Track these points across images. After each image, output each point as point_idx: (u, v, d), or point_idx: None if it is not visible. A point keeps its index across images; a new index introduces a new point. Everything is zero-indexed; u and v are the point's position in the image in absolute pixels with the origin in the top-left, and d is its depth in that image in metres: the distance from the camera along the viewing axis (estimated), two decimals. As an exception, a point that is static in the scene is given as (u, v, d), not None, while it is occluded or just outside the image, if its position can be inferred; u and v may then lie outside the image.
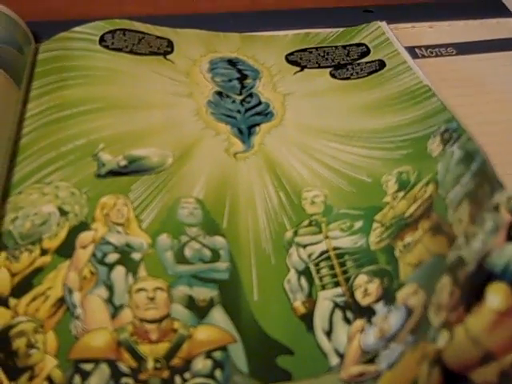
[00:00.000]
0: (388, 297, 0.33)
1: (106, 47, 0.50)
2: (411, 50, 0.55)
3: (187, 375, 0.30)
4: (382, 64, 0.52)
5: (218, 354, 0.31)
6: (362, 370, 0.31)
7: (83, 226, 0.36)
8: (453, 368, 0.25)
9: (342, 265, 0.36)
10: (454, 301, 0.27)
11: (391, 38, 0.55)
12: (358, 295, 0.34)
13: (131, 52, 0.50)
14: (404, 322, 0.31)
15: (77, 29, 0.51)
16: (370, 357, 0.31)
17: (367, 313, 0.33)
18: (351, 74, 0.51)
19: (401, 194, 0.39)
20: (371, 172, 0.42)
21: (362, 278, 0.35)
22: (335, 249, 0.37)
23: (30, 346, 0.30)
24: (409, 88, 0.48)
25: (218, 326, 0.33)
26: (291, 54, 0.53)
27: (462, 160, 0.37)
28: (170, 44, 0.52)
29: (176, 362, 0.31)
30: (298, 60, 0.53)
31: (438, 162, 0.39)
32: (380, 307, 0.33)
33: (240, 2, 0.61)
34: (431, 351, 0.27)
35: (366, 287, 0.34)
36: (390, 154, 0.43)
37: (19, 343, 0.30)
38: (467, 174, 0.35)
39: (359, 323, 0.33)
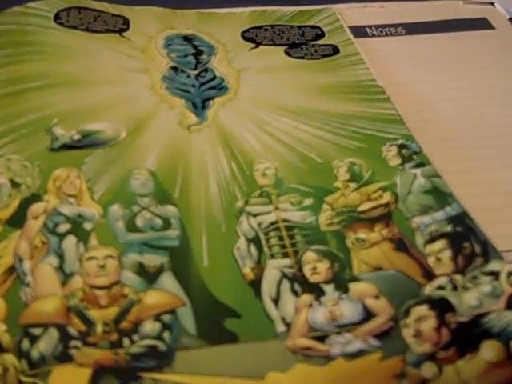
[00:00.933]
0: (339, 283, 0.34)
1: (61, 24, 0.50)
2: (362, 29, 0.57)
3: (135, 337, 0.31)
4: (335, 49, 0.53)
5: (166, 317, 0.32)
6: (310, 344, 0.32)
7: (35, 198, 0.37)
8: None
9: (291, 237, 0.37)
10: (443, 340, 0.31)
11: (344, 26, 0.56)
12: (307, 271, 0.35)
13: (87, 29, 0.50)
14: (362, 319, 0.33)
15: (31, 4, 0.51)
16: (318, 334, 0.32)
17: (315, 290, 0.34)
18: (305, 54, 0.52)
19: (353, 184, 0.40)
20: (322, 153, 0.43)
21: (310, 255, 0.36)
22: (285, 221, 0.38)
23: (-21, 311, 0.31)
24: (362, 82, 0.49)
25: (167, 291, 0.33)
26: (247, 30, 0.54)
27: (429, 192, 0.40)
28: (126, 21, 0.52)
29: (125, 325, 0.31)
30: (253, 37, 0.53)
31: (394, 174, 0.41)
32: (330, 289, 0.34)
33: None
34: (414, 376, 0.30)
35: (315, 265, 0.35)
36: (341, 141, 0.44)
37: (-32, 309, 0.31)
38: (440, 213, 0.38)
39: (307, 298, 0.34)
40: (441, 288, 0.34)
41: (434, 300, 0.33)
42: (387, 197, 0.40)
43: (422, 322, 0.32)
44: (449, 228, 0.37)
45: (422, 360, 0.31)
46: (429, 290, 0.34)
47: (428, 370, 0.30)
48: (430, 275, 0.35)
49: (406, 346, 0.31)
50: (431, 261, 0.36)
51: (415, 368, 0.30)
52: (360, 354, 0.31)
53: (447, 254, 0.36)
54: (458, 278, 0.34)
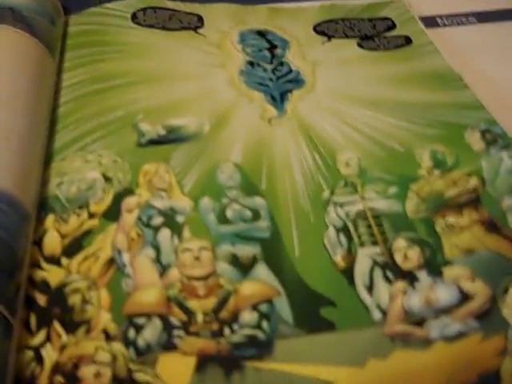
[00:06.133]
0: (432, 268, 0.35)
1: (138, 24, 0.51)
2: (432, 20, 0.56)
3: (235, 327, 0.32)
4: (408, 40, 0.53)
5: (263, 307, 0.33)
6: (409, 330, 0.32)
7: (127, 192, 0.38)
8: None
9: (379, 225, 0.37)
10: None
11: (415, 16, 0.55)
12: (398, 258, 0.35)
13: (163, 28, 0.51)
14: (458, 302, 0.33)
15: (108, 5, 0.52)
16: (415, 320, 0.32)
17: (409, 277, 0.34)
18: (378, 46, 0.52)
19: (437, 171, 0.40)
20: (403, 142, 0.43)
21: (400, 242, 0.36)
22: (371, 209, 0.38)
23: (85, 301, 0.32)
24: (439, 70, 0.49)
25: (262, 281, 0.34)
26: (318, 24, 0.54)
27: None
28: (200, 19, 0.53)
29: (224, 314, 0.32)
30: (325, 30, 0.53)
31: (479, 158, 0.41)
32: (423, 275, 0.34)
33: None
34: None
35: (406, 252, 0.35)
36: (421, 129, 0.44)
37: (75, 299, 0.32)
38: None
39: (401, 284, 0.34)
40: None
41: None
42: (474, 181, 0.40)
43: None
44: None
45: None
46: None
47: None
48: None
49: (506, 324, 0.32)
50: None
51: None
52: (460, 336, 0.31)
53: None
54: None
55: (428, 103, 0.46)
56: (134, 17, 0.52)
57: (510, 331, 0.31)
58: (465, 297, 0.33)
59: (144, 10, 0.53)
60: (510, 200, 0.38)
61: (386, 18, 0.55)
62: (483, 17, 0.57)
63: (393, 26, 0.54)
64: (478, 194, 0.39)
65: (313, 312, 0.33)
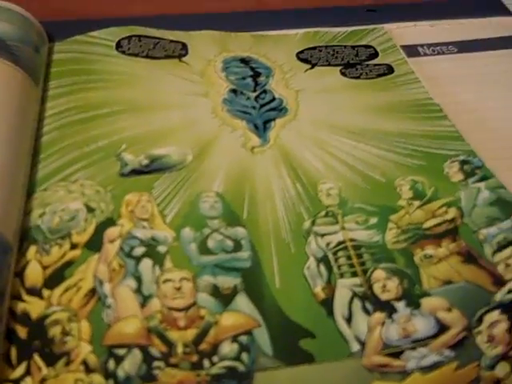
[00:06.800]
0: (410, 299, 0.35)
1: (123, 52, 0.52)
2: (414, 48, 0.57)
3: (215, 359, 0.32)
4: (390, 69, 0.54)
5: (243, 338, 0.33)
6: (386, 361, 0.32)
7: (110, 222, 0.38)
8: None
9: (359, 256, 0.37)
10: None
11: (397, 45, 0.56)
12: (377, 289, 0.36)
13: (147, 56, 0.52)
14: (436, 333, 0.33)
15: (93, 33, 0.53)
16: (393, 351, 0.33)
17: (387, 308, 0.35)
18: (360, 74, 0.53)
19: (416, 202, 0.41)
20: (384, 172, 0.43)
21: (379, 273, 0.36)
22: (352, 240, 0.38)
23: (65, 333, 0.32)
24: (420, 100, 0.50)
25: (242, 312, 0.34)
26: (301, 51, 0.55)
27: (494, 203, 0.41)
28: (185, 47, 0.54)
29: (204, 346, 0.32)
30: (308, 58, 0.54)
31: (458, 190, 0.42)
32: (401, 306, 0.35)
33: (245, 3, 0.62)
34: (488, 377, 0.31)
35: (385, 283, 0.36)
36: (402, 160, 0.44)
37: (55, 331, 0.32)
38: (507, 222, 0.39)
39: (379, 315, 0.34)
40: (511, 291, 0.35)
41: (505, 304, 0.34)
42: (452, 212, 0.40)
43: (494, 326, 0.33)
44: None
45: (496, 362, 0.32)
46: (500, 295, 0.35)
47: (502, 369, 0.32)
48: (500, 282, 0.36)
49: (481, 352, 0.32)
50: (501, 268, 0.37)
51: (489, 370, 0.31)
52: (435, 366, 0.32)
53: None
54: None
55: (409, 133, 0.47)
56: (118, 45, 0.52)
57: (483, 359, 0.32)
58: (441, 327, 0.34)
59: (129, 38, 0.53)
60: (486, 231, 0.39)
61: (369, 46, 0.56)
62: (464, 46, 0.58)
63: (375, 54, 0.55)
64: (456, 224, 0.39)
65: (292, 343, 0.33)
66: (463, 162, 0.43)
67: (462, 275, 0.36)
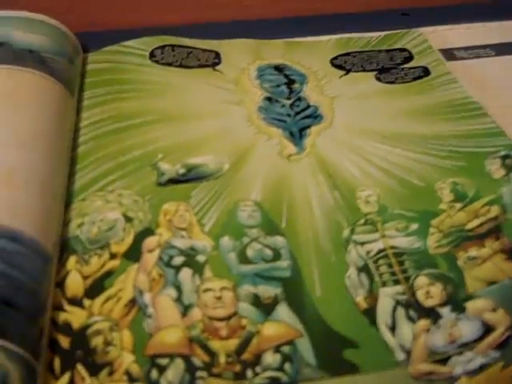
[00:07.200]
0: (454, 303, 0.35)
1: (156, 62, 0.52)
2: (449, 52, 0.56)
3: (258, 369, 0.31)
4: (426, 71, 0.53)
5: (286, 348, 0.32)
6: (433, 368, 0.32)
7: (148, 232, 0.38)
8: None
9: (401, 264, 0.37)
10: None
11: (433, 46, 0.56)
12: (420, 296, 0.35)
13: (181, 66, 0.52)
14: (482, 335, 0.33)
15: (126, 43, 0.53)
16: (439, 358, 0.32)
17: (432, 314, 0.34)
18: (396, 79, 0.52)
19: (458, 205, 0.40)
20: (422, 176, 0.43)
21: (422, 280, 0.36)
22: (392, 247, 0.38)
23: (107, 343, 0.32)
24: (457, 100, 0.49)
25: (284, 322, 0.34)
26: (335, 58, 0.55)
27: None
28: (218, 56, 0.54)
29: (246, 356, 0.32)
30: (342, 64, 0.54)
31: (500, 186, 0.41)
32: (446, 312, 0.34)
33: (271, 10, 0.62)
34: None
35: (428, 289, 0.35)
36: (441, 162, 0.44)
37: (97, 341, 0.32)
38: None
39: (424, 323, 0.34)
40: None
41: None
42: (495, 210, 0.40)
43: None
44: None
45: None
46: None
47: None
48: None
49: None
50: None
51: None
52: (482, 368, 0.31)
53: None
54: None
55: (447, 134, 0.46)
56: (151, 55, 0.52)
57: None
58: (487, 329, 0.33)
59: (162, 47, 0.53)
60: None
61: (404, 49, 0.56)
62: (501, 49, 0.57)
63: (410, 58, 0.55)
64: (499, 222, 0.39)
65: (336, 354, 0.33)
66: (504, 157, 0.43)
67: (506, 272, 0.36)
